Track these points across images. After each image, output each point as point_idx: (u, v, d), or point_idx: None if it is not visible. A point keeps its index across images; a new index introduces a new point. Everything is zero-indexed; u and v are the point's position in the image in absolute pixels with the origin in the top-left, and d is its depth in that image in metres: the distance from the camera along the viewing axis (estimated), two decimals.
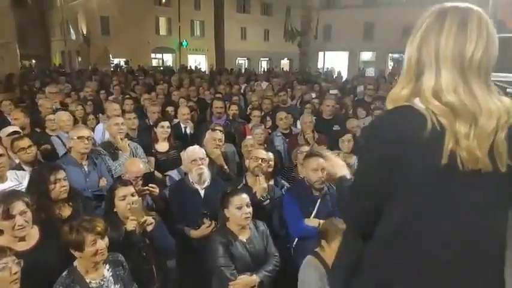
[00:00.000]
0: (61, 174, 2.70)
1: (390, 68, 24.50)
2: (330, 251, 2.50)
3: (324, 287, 2.43)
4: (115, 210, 2.71)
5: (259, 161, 3.34)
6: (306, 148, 3.91)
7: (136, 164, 3.25)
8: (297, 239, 3.08)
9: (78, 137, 3.28)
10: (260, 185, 3.20)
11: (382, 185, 1.13)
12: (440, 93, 1.07)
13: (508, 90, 5.11)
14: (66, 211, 2.72)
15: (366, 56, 27.21)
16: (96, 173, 3.36)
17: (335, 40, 25.75)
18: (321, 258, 2.53)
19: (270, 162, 3.54)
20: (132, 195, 2.71)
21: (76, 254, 2.16)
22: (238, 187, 3.18)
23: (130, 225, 2.58)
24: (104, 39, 29.30)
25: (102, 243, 2.19)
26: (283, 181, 3.70)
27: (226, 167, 3.95)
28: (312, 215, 3.05)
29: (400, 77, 1.22)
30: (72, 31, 31.71)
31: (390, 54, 25.88)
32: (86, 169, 3.35)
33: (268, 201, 3.20)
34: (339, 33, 25.05)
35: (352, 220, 1.32)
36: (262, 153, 3.43)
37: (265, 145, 4.81)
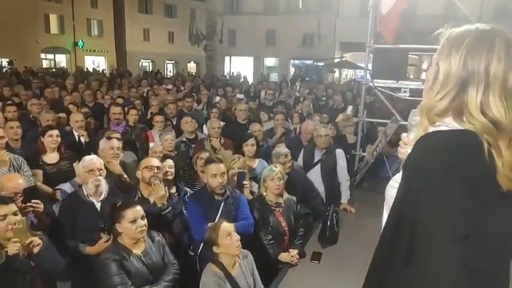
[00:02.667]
0: None
1: (292, 73, 25.93)
2: (223, 249, 2.59)
3: None
4: None
5: (155, 170, 3.21)
6: (206, 154, 3.90)
7: (14, 179, 2.89)
8: (202, 245, 3.07)
9: None
10: (158, 193, 3.09)
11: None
12: (487, 109, 1.04)
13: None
14: None
15: (270, 61, 28.35)
16: None
17: (240, 45, 26.32)
18: (217, 262, 2.58)
19: (171, 169, 3.46)
20: (15, 214, 2.41)
21: None
22: (134, 199, 3.03)
23: (13, 248, 2.29)
24: None
25: None
26: (185, 188, 3.63)
27: (125, 176, 3.74)
28: (216, 219, 3.07)
29: (430, 88, 1.14)
30: None
31: (292, 61, 27.38)
32: None
33: (170, 208, 3.11)
34: (244, 38, 25.67)
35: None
36: (155, 162, 3.31)
37: (175, 151, 4.70)
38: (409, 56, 5.92)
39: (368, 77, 5.71)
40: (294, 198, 3.58)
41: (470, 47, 1.10)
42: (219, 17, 25.58)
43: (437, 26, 1.20)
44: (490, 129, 1.02)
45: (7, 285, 2.20)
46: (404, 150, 1.35)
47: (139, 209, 2.64)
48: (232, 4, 26.70)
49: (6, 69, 21.40)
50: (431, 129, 1.11)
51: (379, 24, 5.19)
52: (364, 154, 5.56)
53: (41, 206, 2.88)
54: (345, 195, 4.50)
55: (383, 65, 5.30)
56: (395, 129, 4.72)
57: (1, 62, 24.64)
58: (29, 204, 2.80)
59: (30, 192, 3.03)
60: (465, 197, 0.98)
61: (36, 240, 2.42)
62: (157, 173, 3.21)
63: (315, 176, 4.49)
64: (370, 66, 5.75)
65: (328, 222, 3.57)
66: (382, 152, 5.02)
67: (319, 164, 4.54)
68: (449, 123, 1.08)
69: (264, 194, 3.43)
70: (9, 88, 8.85)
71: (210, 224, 2.89)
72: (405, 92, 7.20)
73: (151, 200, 3.04)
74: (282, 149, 4.16)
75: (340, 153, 4.62)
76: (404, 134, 1.40)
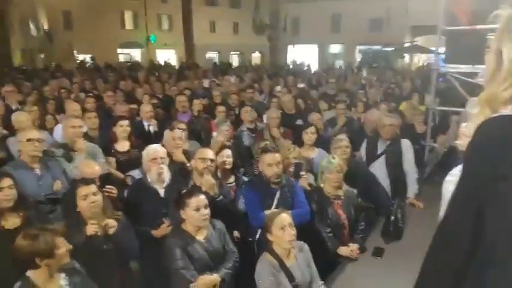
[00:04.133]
0: (4, 183, 2.58)
1: (358, 60, 24.91)
2: (276, 239, 2.58)
3: (277, 280, 2.50)
4: (78, 210, 2.63)
5: (208, 162, 3.27)
6: (265, 143, 3.91)
7: (91, 166, 3.15)
8: (259, 232, 3.10)
9: (28, 139, 3.14)
10: (208, 182, 3.15)
11: None
12: None
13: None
14: (14, 221, 2.60)
15: (335, 48, 27.54)
16: (50, 176, 3.23)
17: (304, 33, 25.91)
18: (272, 251, 2.58)
19: (228, 159, 3.52)
20: (94, 194, 2.64)
21: (43, 262, 2.05)
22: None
23: (91, 229, 2.52)
24: (67, 34, 28.17)
25: (67, 245, 2.14)
26: (244, 177, 3.69)
27: (188, 164, 3.89)
28: (273, 207, 3.09)
29: (493, 75, 1.06)
30: (32, 27, 30.28)
31: (358, 47, 26.28)
32: (38, 172, 3.21)
33: (221, 197, 3.18)
34: (308, 26, 25.22)
35: None
36: (209, 154, 3.35)
37: (231, 140, 4.79)
38: (488, 37, 5.36)
39: (440, 61, 5.28)
40: (355, 190, 3.45)
41: None
42: (282, 5, 25.33)
43: None
44: None
45: (87, 261, 2.40)
46: (466, 141, 1.23)
47: (202, 198, 2.71)
48: None
49: (89, 64, 23.38)
50: (492, 116, 1.02)
51: (452, 4, 4.75)
52: (435, 145, 5.18)
53: (115, 191, 3.12)
54: (412, 189, 4.22)
55: (457, 48, 4.86)
56: None
57: (85, 57, 26.98)
58: (104, 189, 3.04)
59: (105, 179, 3.31)
60: None
61: (111, 222, 2.63)
62: (210, 165, 3.27)
63: (379, 168, 4.25)
64: (441, 50, 5.31)
65: (393, 217, 3.39)
66: (456, 144, 4.62)
67: (384, 155, 4.31)
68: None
69: (322, 185, 3.35)
70: (90, 81, 9.68)
71: (268, 212, 2.91)
72: (482, 77, 6.55)
73: (203, 188, 3.12)
74: (341, 136, 4.02)
75: (406, 144, 4.34)
76: (463, 124, 1.27)
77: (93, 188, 2.65)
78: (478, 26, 4.63)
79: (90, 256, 2.47)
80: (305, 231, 2.87)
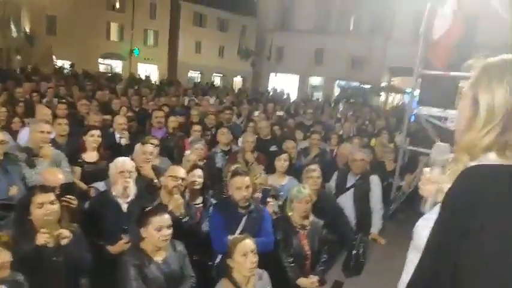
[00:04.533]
0: None
1: (336, 94, 25.60)
2: (236, 265, 2.53)
3: None
4: (30, 218, 2.50)
5: (179, 181, 3.21)
6: (236, 166, 3.90)
7: (54, 173, 3.04)
8: (220, 257, 3.03)
9: None
10: (176, 201, 3.08)
11: None
12: None
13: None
14: None
15: (315, 80, 28.22)
16: (6, 180, 3.07)
17: (287, 63, 26.47)
18: (231, 278, 2.52)
19: (199, 179, 3.48)
20: (52, 203, 2.53)
21: None
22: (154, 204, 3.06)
23: (41, 238, 2.39)
24: (49, 39, 27.65)
25: (6, 256, 1.99)
26: (212, 200, 3.64)
27: (156, 180, 3.81)
28: (237, 232, 3.04)
29: (469, 123, 1.06)
30: (13, 27, 29.62)
31: (338, 81, 27.08)
32: None
33: (187, 218, 3.11)
34: (291, 56, 25.81)
35: None
36: (181, 172, 3.30)
37: (204, 161, 4.74)
38: (460, 85, 5.66)
39: (414, 102, 5.49)
40: (321, 221, 3.46)
41: None
42: (268, 33, 25.97)
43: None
44: None
45: (34, 272, 2.27)
46: (429, 187, 1.25)
47: (166, 218, 2.63)
48: (283, 21, 27.00)
49: (67, 70, 22.95)
50: (472, 163, 1.02)
51: (429, 50, 5.00)
52: (402, 183, 5.31)
53: (74, 202, 3.00)
54: (376, 224, 4.29)
55: (431, 91, 5.09)
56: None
57: (63, 64, 26.49)
58: (63, 198, 2.92)
59: (66, 188, 3.17)
60: None
61: (65, 232, 2.51)
62: (180, 184, 3.21)
63: (346, 201, 4.31)
64: (417, 93, 5.53)
65: (354, 251, 3.41)
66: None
67: (352, 189, 4.38)
68: (492, 159, 1.00)
69: (290, 214, 3.35)
70: (66, 88, 9.47)
71: (231, 237, 2.86)
72: (452, 122, 6.85)
73: (170, 207, 3.05)
74: (313, 166, 4.06)
75: (375, 180, 4.43)
76: (427, 169, 1.29)
77: (51, 196, 2.55)
78: (452, 73, 4.88)
79: (38, 268, 2.34)
80: (266, 258, 2.83)
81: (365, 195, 4.33)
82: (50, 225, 2.49)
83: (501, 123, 1.00)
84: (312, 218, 3.39)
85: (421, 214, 1.40)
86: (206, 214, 3.36)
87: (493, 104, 1.01)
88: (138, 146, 3.95)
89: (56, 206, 2.55)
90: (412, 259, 1.12)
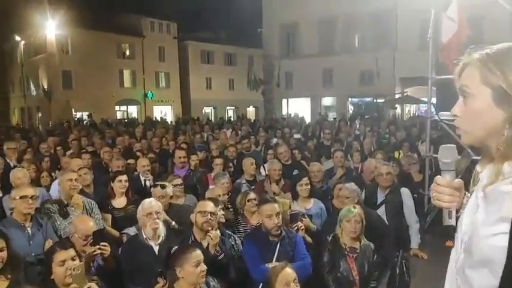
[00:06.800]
0: None
1: (351, 111, 25.52)
2: None
3: None
4: (52, 277, 2.43)
5: (208, 216, 3.15)
6: (252, 195, 3.81)
7: (86, 222, 3.05)
8: (261, 286, 2.95)
9: (21, 197, 3.07)
10: (213, 240, 3.00)
11: None
12: None
13: None
14: (1, 284, 2.45)
15: (327, 101, 28.25)
16: (42, 235, 3.12)
17: (297, 87, 26.67)
18: None
19: (220, 213, 3.43)
20: (73, 259, 2.46)
21: None
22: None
23: None
24: (66, 93, 28.93)
25: None
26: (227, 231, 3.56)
27: (173, 223, 3.76)
28: (274, 260, 2.96)
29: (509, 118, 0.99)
30: (32, 87, 31.12)
31: (350, 99, 27.04)
32: (30, 231, 3.11)
33: (222, 254, 3.04)
34: (300, 80, 26.02)
35: None
36: (209, 207, 3.23)
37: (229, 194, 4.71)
38: None
39: (432, 110, 5.41)
40: (372, 245, 3.27)
41: None
42: (275, 61, 26.37)
43: None
44: None
45: None
46: (447, 197, 1.14)
47: (199, 253, 2.59)
48: (288, 48, 27.47)
49: (86, 121, 23.72)
50: None
51: (440, 54, 4.97)
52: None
53: (108, 249, 2.99)
54: (415, 239, 4.12)
55: (448, 96, 5.00)
56: (467, 164, 4.32)
57: (82, 115, 27.46)
58: (97, 247, 2.92)
59: (99, 235, 3.18)
60: None
61: (94, 286, 2.46)
62: (210, 218, 3.15)
63: None
64: (434, 100, 5.46)
65: (398, 270, 3.26)
66: None
67: (383, 205, 4.26)
68: None
69: (339, 235, 3.21)
70: (87, 138, 9.74)
71: (271, 266, 2.79)
72: None
73: (205, 244, 3.00)
74: (353, 186, 3.91)
75: (406, 192, 4.31)
76: (438, 177, 1.19)
77: (71, 252, 2.49)
78: None
79: None
80: (312, 283, 2.74)
81: (398, 209, 4.20)
82: (78, 279, 2.38)
83: None
84: (364, 241, 3.24)
85: (448, 228, 1.24)
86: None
87: None
88: (152, 190, 4.00)
89: (77, 262, 2.47)
90: (473, 276, 1.03)
